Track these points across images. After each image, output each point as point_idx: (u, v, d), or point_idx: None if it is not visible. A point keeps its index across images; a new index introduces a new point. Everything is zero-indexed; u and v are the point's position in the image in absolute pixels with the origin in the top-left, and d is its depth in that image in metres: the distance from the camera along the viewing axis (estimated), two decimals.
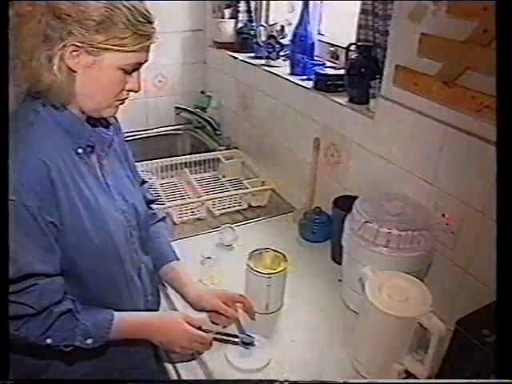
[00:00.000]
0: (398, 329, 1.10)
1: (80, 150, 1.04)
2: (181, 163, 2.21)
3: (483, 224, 1.21)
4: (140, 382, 1.12)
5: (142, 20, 0.96)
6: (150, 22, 0.99)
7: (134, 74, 1.04)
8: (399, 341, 1.11)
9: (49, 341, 1.01)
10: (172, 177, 2.20)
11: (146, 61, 1.03)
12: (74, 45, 0.92)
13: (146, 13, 0.98)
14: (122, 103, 1.08)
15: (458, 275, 1.31)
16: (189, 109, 2.66)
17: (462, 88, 1.19)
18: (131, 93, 1.07)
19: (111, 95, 1.03)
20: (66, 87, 0.96)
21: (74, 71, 0.96)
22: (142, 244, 1.24)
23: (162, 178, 2.17)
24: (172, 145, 2.71)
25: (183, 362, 1.22)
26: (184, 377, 1.22)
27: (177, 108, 2.69)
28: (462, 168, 1.25)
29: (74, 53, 0.93)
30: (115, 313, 1.10)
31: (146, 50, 1.01)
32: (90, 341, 1.05)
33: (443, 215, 1.32)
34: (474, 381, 0.88)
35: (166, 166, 2.19)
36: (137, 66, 1.02)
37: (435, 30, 1.24)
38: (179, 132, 2.74)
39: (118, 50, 0.95)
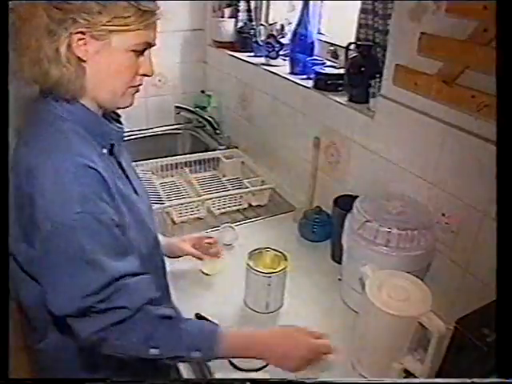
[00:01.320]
0: (397, 328, 1.10)
1: (105, 151, 1.02)
2: (181, 162, 2.21)
3: (483, 223, 1.21)
4: (140, 382, 1.12)
5: None
6: None
7: (146, 57, 1.01)
8: (399, 340, 1.11)
9: (153, 351, 0.96)
10: (172, 176, 2.20)
11: (154, 41, 1.01)
12: (79, 32, 0.89)
13: None
14: (137, 91, 1.05)
15: (457, 274, 1.31)
16: (189, 108, 2.65)
17: (462, 87, 1.19)
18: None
19: (124, 81, 1.00)
20: (76, 79, 0.93)
21: (84, 61, 0.93)
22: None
23: (162, 178, 2.17)
24: (172, 144, 2.71)
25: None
26: (184, 375, 1.22)
27: (177, 107, 2.68)
28: (462, 167, 1.25)
29: (81, 41, 0.90)
30: (221, 328, 1.04)
31: (154, 28, 0.99)
32: (197, 354, 0.99)
33: (443, 214, 1.32)
34: (474, 381, 0.87)
35: (166, 165, 2.19)
36: (146, 46, 0.99)
37: (435, 30, 1.23)
38: (179, 131, 2.74)
39: (123, 30, 0.93)
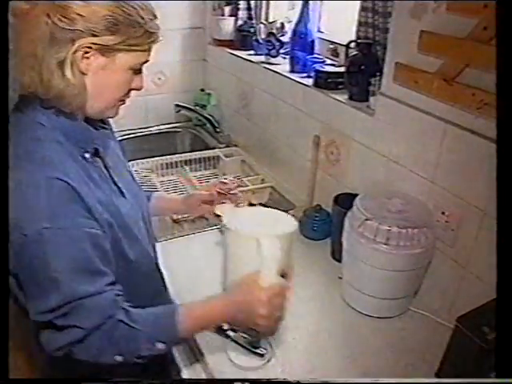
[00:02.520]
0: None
1: (87, 155, 1.00)
2: (181, 161, 2.21)
3: (483, 222, 1.21)
4: (140, 382, 1.11)
5: (152, 17, 0.95)
6: (156, 18, 0.97)
7: (139, 73, 1.02)
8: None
9: (118, 358, 0.96)
10: (172, 174, 2.20)
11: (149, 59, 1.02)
12: (86, 47, 0.88)
13: (152, 9, 0.96)
14: (124, 103, 1.06)
15: (458, 273, 1.31)
16: (189, 106, 2.65)
17: (462, 85, 1.19)
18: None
19: (119, 95, 1.01)
20: (79, 92, 0.92)
21: (85, 74, 0.92)
22: (148, 235, 1.22)
23: (162, 176, 2.18)
24: (172, 142, 2.71)
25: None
26: (184, 373, 1.23)
27: (177, 106, 2.68)
28: (462, 165, 1.25)
29: (86, 54, 0.89)
30: (178, 308, 1.02)
31: (151, 48, 1.00)
32: (161, 345, 0.98)
33: (443, 213, 1.32)
34: (474, 381, 0.87)
35: (166, 163, 2.18)
36: (143, 65, 1.01)
37: (435, 27, 1.23)
38: (179, 130, 2.74)
39: (132, 50, 0.93)
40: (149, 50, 0.98)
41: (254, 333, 1.09)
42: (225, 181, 1.52)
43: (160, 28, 0.98)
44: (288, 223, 1.09)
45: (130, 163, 2.08)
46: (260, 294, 0.99)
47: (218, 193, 1.46)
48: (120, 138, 2.51)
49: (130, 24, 0.90)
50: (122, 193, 1.10)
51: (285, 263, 1.02)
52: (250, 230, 1.03)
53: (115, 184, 1.09)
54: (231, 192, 1.47)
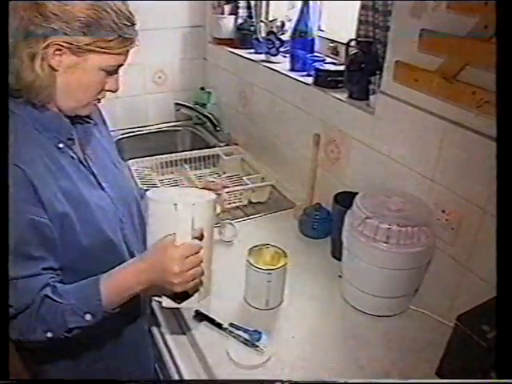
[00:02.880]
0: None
1: (61, 145, 1.03)
2: (181, 159, 2.21)
3: (483, 220, 1.21)
4: (140, 382, 1.11)
5: (127, 23, 0.97)
6: (134, 25, 1.00)
7: (114, 75, 1.05)
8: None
9: (49, 334, 0.98)
10: (172, 173, 2.20)
11: (124, 63, 1.04)
12: (58, 44, 0.91)
13: (131, 16, 0.99)
14: (99, 102, 1.09)
15: (458, 271, 1.31)
16: (189, 105, 2.65)
17: (462, 84, 1.19)
18: (110, 92, 1.08)
19: (91, 95, 1.03)
20: (47, 86, 0.96)
21: (56, 70, 0.95)
22: (134, 230, 1.22)
23: (162, 175, 2.17)
24: (172, 141, 2.71)
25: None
26: (184, 371, 1.23)
27: (177, 104, 2.68)
28: (462, 164, 1.25)
29: (57, 52, 0.93)
30: (101, 277, 1.01)
31: (127, 52, 1.02)
32: (88, 316, 0.99)
33: (443, 211, 1.32)
34: (474, 381, 0.88)
35: (166, 162, 2.18)
36: (117, 68, 1.03)
37: (435, 26, 1.23)
38: (179, 128, 2.73)
39: (102, 52, 0.96)
40: (123, 54, 1.01)
41: (171, 295, 1.08)
42: (212, 181, 1.50)
43: (137, 34, 1.01)
44: (207, 197, 1.12)
45: (130, 161, 2.11)
46: (172, 252, 0.99)
47: None
48: (120, 137, 2.53)
49: (101, 27, 0.93)
50: (100, 185, 1.12)
51: (199, 230, 1.04)
52: (170, 198, 1.07)
53: (94, 176, 1.11)
54: (217, 193, 1.45)
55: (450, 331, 1.11)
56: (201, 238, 1.03)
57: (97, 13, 0.92)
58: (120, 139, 2.53)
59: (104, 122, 1.27)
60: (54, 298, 0.98)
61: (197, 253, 1.00)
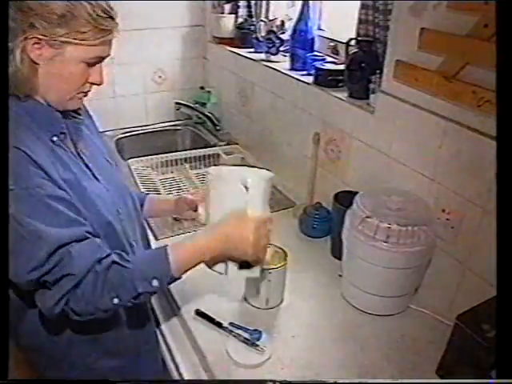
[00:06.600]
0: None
1: (55, 138, 1.04)
2: (181, 159, 2.21)
3: (483, 219, 1.21)
4: (140, 382, 1.11)
5: (102, 15, 0.98)
6: (112, 18, 1.00)
7: (97, 67, 1.05)
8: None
9: (116, 300, 0.98)
10: (172, 172, 2.20)
11: (108, 55, 1.05)
12: (35, 37, 0.93)
13: (108, 8, 1.00)
14: (85, 95, 1.10)
15: (458, 270, 1.31)
16: (189, 104, 2.65)
17: (462, 83, 1.19)
18: (96, 86, 1.09)
19: (73, 87, 1.04)
20: (28, 78, 0.98)
21: (37, 63, 0.97)
22: (131, 223, 1.24)
23: (162, 174, 2.17)
24: (172, 140, 2.71)
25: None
26: (184, 370, 1.23)
27: (177, 103, 2.68)
28: (462, 163, 1.25)
29: (36, 45, 0.95)
30: (170, 245, 1.05)
31: (108, 44, 1.03)
32: (155, 282, 1.00)
33: (443, 210, 1.32)
34: (474, 381, 0.88)
35: (166, 161, 2.19)
36: (99, 60, 1.04)
37: (436, 25, 1.23)
38: (179, 127, 2.74)
39: (79, 44, 0.97)
40: (102, 46, 1.01)
41: (243, 263, 1.15)
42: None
43: (116, 26, 1.02)
44: (266, 173, 1.17)
45: (130, 161, 2.11)
46: (248, 223, 1.07)
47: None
48: (120, 136, 2.54)
49: (76, 19, 0.95)
50: (94, 176, 1.13)
51: (265, 204, 1.15)
52: (237, 175, 1.13)
53: (89, 169, 1.12)
54: None
55: (450, 330, 1.11)
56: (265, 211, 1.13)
57: (71, 5, 0.94)
58: (120, 138, 2.53)
59: (91, 118, 1.28)
60: (122, 263, 1.00)
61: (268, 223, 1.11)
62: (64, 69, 1.00)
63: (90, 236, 0.99)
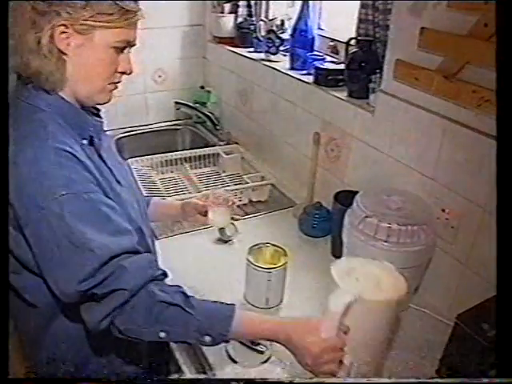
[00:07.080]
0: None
1: (84, 141, 1.03)
2: (181, 158, 2.21)
3: (483, 218, 1.21)
4: (140, 382, 1.11)
5: None
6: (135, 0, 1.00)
7: (125, 55, 1.04)
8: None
9: (162, 335, 0.96)
10: (172, 172, 2.20)
11: (134, 40, 1.03)
12: (62, 25, 0.92)
13: None
14: (115, 87, 1.07)
15: (458, 270, 1.31)
16: (189, 104, 2.65)
17: (462, 82, 1.19)
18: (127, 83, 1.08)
19: (104, 76, 1.02)
20: (56, 70, 0.96)
21: (65, 54, 0.95)
22: (146, 226, 1.22)
23: (162, 173, 2.18)
24: (172, 140, 2.70)
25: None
26: (184, 370, 1.23)
27: (177, 103, 2.68)
28: (462, 162, 1.25)
29: (64, 34, 0.93)
30: (237, 310, 1.02)
31: (134, 27, 1.01)
32: (207, 338, 0.97)
33: (443, 210, 1.32)
34: (474, 380, 0.87)
35: (166, 161, 2.19)
36: (126, 45, 1.02)
37: (436, 24, 1.23)
38: (179, 127, 2.73)
39: (106, 27, 0.95)
40: (128, 29, 0.99)
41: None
42: (219, 193, 1.49)
43: (140, 8, 1.01)
44: (390, 289, 0.99)
45: (130, 160, 2.11)
46: (314, 343, 0.97)
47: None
48: (120, 136, 2.53)
49: (101, 1, 0.93)
50: (118, 181, 1.11)
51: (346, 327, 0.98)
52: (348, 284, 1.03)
53: (111, 172, 1.10)
54: (228, 205, 1.45)
55: (450, 330, 1.11)
56: (346, 331, 0.98)
57: None
58: (120, 138, 2.53)
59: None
60: (186, 308, 0.97)
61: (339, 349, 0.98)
62: (93, 56, 0.98)
63: (140, 249, 0.97)
